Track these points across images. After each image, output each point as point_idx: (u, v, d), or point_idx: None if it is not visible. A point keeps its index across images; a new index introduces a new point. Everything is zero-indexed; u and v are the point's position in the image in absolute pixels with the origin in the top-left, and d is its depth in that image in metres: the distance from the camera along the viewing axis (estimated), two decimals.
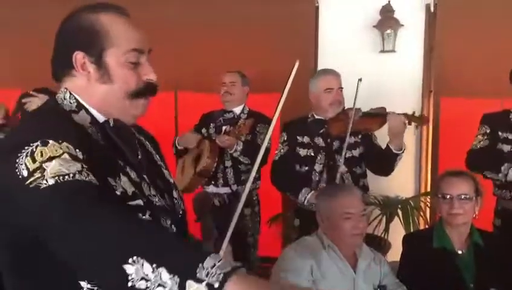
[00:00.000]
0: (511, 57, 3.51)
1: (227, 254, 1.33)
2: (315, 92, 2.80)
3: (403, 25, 3.59)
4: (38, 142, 0.93)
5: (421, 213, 3.32)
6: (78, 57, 1.08)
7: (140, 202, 1.05)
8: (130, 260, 0.81)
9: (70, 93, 1.10)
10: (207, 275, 0.80)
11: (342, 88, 2.78)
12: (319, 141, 2.75)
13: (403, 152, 2.66)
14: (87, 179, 0.92)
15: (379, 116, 2.67)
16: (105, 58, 1.08)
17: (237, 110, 3.21)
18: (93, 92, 1.10)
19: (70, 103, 1.09)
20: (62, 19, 1.13)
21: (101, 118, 1.12)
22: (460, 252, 2.05)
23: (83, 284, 0.97)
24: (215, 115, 3.22)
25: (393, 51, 3.59)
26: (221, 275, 0.80)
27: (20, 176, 0.91)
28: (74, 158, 0.94)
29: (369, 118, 2.69)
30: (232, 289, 0.79)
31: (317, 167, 2.75)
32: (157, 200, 1.12)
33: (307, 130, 2.79)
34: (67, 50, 1.08)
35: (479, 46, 3.58)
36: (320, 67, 3.60)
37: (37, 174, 0.90)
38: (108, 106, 1.11)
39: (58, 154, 0.92)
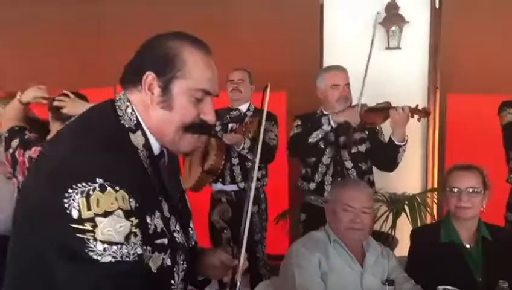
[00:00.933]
0: None
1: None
2: (322, 88, 2.83)
3: (408, 22, 3.59)
4: (97, 186, 0.94)
5: (428, 209, 3.33)
6: (149, 78, 1.08)
7: (165, 240, 1.07)
8: None
9: (133, 109, 1.09)
10: None
11: (348, 84, 2.80)
12: (330, 136, 2.76)
13: (405, 144, 2.68)
14: (131, 255, 0.95)
15: (383, 110, 2.70)
16: (173, 86, 1.08)
17: (243, 107, 3.22)
18: (152, 114, 1.09)
19: (131, 120, 1.09)
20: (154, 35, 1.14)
21: (155, 147, 1.12)
22: (468, 246, 2.05)
23: None
24: (221, 113, 3.23)
25: (398, 47, 3.59)
26: None
27: (67, 211, 0.93)
28: (126, 214, 0.96)
29: (374, 112, 2.72)
30: None
31: (325, 160, 2.79)
32: (179, 236, 1.13)
33: (316, 125, 2.79)
34: (142, 66, 1.09)
35: (484, 43, 3.58)
36: (325, 64, 3.61)
37: (88, 226, 0.93)
38: (161, 132, 1.11)
39: (112, 210, 0.94)
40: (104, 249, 0.93)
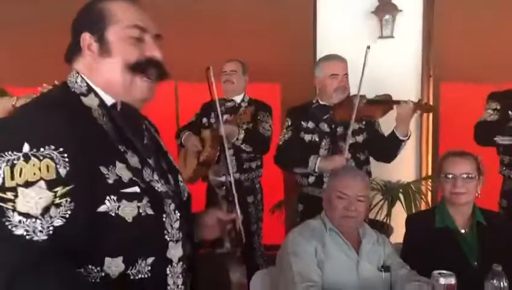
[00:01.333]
0: (509, 42, 3.53)
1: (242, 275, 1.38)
2: (320, 77, 2.78)
3: (401, 11, 3.59)
4: (21, 155, 0.97)
5: (423, 197, 3.35)
6: (86, 37, 1.14)
7: (137, 188, 1.08)
8: None
9: (82, 77, 1.14)
10: None
11: (347, 74, 2.76)
12: (324, 127, 2.75)
13: (408, 139, 2.66)
14: (44, 230, 0.96)
15: (383, 103, 2.66)
16: (107, 35, 1.13)
17: (238, 98, 3.22)
18: (98, 69, 1.14)
19: (81, 86, 1.13)
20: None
21: (109, 101, 1.15)
22: (463, 231, 2.06)
23: None
24: (215, 104, 3.22)
25: (391, 36, 3.59)
26: None
27: None
28: (49, 185, 0.98)
29: (374, 105, 2.68)
30: None
31: (322, 152, 2.74)
32: (159, 185, 1.14)
33: (312, 116, 2.78)
34: (76, 33, 1.15)
35: (477, 31, 3.59)
36: (319, 54, 3.61)
37: (9, 196, 0.95)
38: (111, 83, 1.14)
39: (34, 180, 0.96)
40: (19, 221, 0.95)
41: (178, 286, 1.16)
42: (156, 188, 1.13)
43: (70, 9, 1.24)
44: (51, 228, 0.97)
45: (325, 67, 2.77)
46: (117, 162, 1.07)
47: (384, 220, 3.23)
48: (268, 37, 3.79)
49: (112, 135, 1.11)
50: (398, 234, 2.93)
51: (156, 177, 1.14)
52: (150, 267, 1.09)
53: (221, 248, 1.38)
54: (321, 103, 2.81)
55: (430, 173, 3.67)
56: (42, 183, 0.97)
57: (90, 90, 1.13)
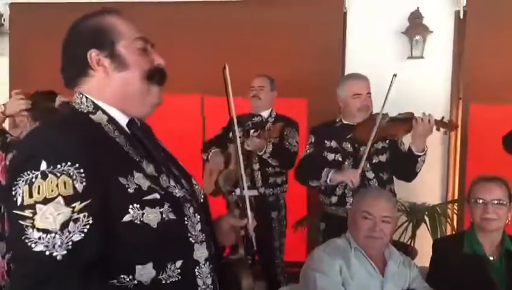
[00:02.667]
0: None
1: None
2: (343, 96, 2.78)
3: (431, 32, 3.58)
4: (39, 173, 0.99)
5: (448, 220, 3.30)
6: (93, 55, 1.13)
7: (157, 195, 1.10)
8: None
9: (87, 97, 1.15)
10: None
11: (370, 93, 2.75)
12: (347, 146, 2.73)
13: (424, 154, 2.59)
14: (63, 245, 0.98)
15: (406, 121, 2.60)
16: (118, 48, 1.14)
17: (265, 114, 3.24)
18: (112, 84, 1.15)
19: (87, 106, 1.15)
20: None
21: (122, 118, 1.17)
22: (491, 258, 2.03)
23: None
24: (243, 119, 3.25)
25: (421, 57, 3.58)
26: None
27: (14, 198, 1.00)
28: (67, 201, 0.99)
29: (396, 124, 2.63)
30: None
31: None
32: (177, 191, 1.16)
33: (335, 135, 2.77)
34: (80, 53, 1.14)
35: (508, 53, 3.55)
36: (347, 72, 3.61)
37: (28, 213, 0.98)
38: (127, 96, 1.16)
39: (52, 197, 0.98)
40: (39, 237, 0.97)
41: (208, 286, 1.18)
42: (174, 193, 1.15)
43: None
44: (70, 243, 0.98)
45: (348, 86, 2.76)
46: (134, 172, 1.09)
47: (408, 242, 3.18)
48: (296, 52, 3.81)
49: (125, 147, 1.13)
50: (422, 257, 2.89)
51: (172, 183, 1.17)
52: (179, 270, 1.11)
53: (235, 254, 1.39)
54: (344, 122, 2.80)
55: (456, 196, 3.61)
56: (60, 199, 0.99)
57: (96, 108, 1.15)
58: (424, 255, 2.70)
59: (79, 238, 0.99)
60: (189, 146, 3.93)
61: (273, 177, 3.13)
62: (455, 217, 3.46)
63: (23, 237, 0.97)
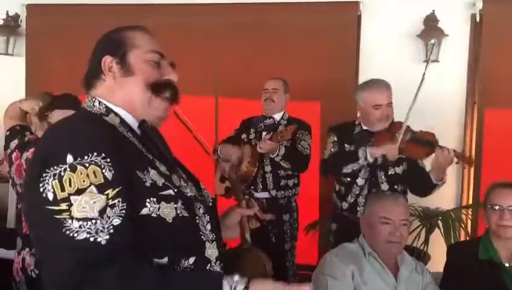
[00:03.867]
0: None
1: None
2: (362, 105, 2.67)
3: (447, 35, 3.55)
4: (67, 166, 1.01)
5: (462, 226, 3.26)
6: (107, 60, 1.19)
7: (171, 191, 1.12)
8: None
9: (99, 101, 1.19)
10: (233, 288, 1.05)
11: (391, 102, 2.64)
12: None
13: (443, 183, 2.56)
14: (105, 229, 1.01)
15: (427, 145, 2.50)
16: (128, 57, 1.19)
17: (277, 116, 3.23)
18: (119, 89, 1.19)
19: (100, 109, 1.18)
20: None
21: (133, 122, 1.21)
22: (507, 265, 2.00)
23: None
24: (255, 121, 3.25)
25: (436, 61, 3.54)
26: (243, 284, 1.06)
27: (43, 195, 1.01)
28: (100, 189, 1.02)
29: (417, 145, 2.52)
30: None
31: (360, 181, 2.67)
32: (188, 191, 1.19)
33: (354, 141, 2.70)
34: (97, 59, 1.20)
35: None
36: (361, 76, 3.60)
37: (64, 206, 1.00)
38: (133, 101, 1.19)
39: (84, 187, 1.01)
40: (80, 226, 0.99)
41: None
42: (185, 193, 1.17)
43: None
44: (111, 227, 1.01)
45: (367, 97, 2.63)
46: (149, 168, 1.12)
47: (421, 247, 3.15)
48: (309, 55, 3.80)
49: (139, 146, 1.17)
50: (435, 262, 2.86)
51: (183, 183, 1.20)
52: (192, 267, 1.13)
53: (246, 243, 1.44)
54: (364, 127, 2.72)
55: (471, 201, 3.57)
56: (93, 188, 1.01)
57: (109, 110, 1.18)
58: (437, 260, 2.67)
59: (118, 222, 1.02)
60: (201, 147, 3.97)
61: (285, 179, 3.12)
62: (469, 222, 3.42)
63: (63, 230, 0.99)
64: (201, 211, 1.19)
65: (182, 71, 1.29)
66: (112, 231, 1.01)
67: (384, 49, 3.67)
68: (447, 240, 3.03)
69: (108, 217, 1.01)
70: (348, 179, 2.73)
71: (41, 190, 1.01)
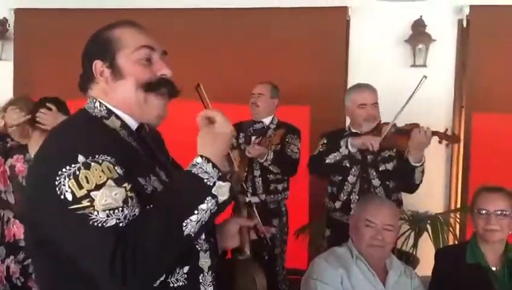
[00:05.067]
0: None
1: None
2: (349, 106, 2.79)
3: (434, 40, 3.58)
4: (80, 165, 1.00)
5: (451, 229, 3.28)
6: (98, 65, 1.18)
7: None
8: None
9: (100, 101, 1.18)
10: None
11: (376, 103, 2.74)
12: (356, 154, 2.72)
13: (421, 165, 2.56)
14: (131, 217, 1.01)
15: (409, 133, 2.55)
16: (117, 59, 1.17)
17: (267, 120, 3.24)
18: (113, 93, 1.18)
19: (101, 111, 1.18)
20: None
21: (131, 122, 1.20)
22: (494, 269, 2.02)
23: None
24: (244, 125, 3.25)
25: (424, 65, 3.57)
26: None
27: (62, 196, 0.99)
28: (118, 182, 1.02)
29: (400, 135, 2.59)
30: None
31: (351, 179, 2.74)
32: None
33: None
34: (88, 62, 1.19)
35: (511, 62, 3.54)
36: (350, 80, 3.62)
37: (86, 203, 0.99)
38: (128, 104, 1.18)
39: (103, 182, 1.00)
40: (108, 215, 0.99)
41: None
42: None
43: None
44: (135, 215, 1.02)
45: (354, 97, 2.77)
46: (151, 175, 1.12)
47: (410, 251, 3.17)
48: (299, 60, 3.81)
49: (140, 152, 1.16)
50: (423, 266, 2.87)
51: None
52: (186, 276, 1.13)
53: (242, 255, 1.40)
54: (352, 130, 2.80)
55: (459, 205, 3.59)
56: (111, 182, 1.01)
57: (110, 113, 1.17)
58: (425, 264, 2.69)
59: (139, 212, 1.03)
60: (191, 154, 3.94)
61: (274, 184, 3.13)
62: (457, 226, 3.45)
63: (90, 223, 0.98)
64: None
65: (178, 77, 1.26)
66: (136, 210, 1.02)
67: (373, 54, 3.70)
68: (435, 244, 3.05)
69: (132, 207, 1.02)
70: (339, 177, 2.77)
71: (58, 193, 0.99)
